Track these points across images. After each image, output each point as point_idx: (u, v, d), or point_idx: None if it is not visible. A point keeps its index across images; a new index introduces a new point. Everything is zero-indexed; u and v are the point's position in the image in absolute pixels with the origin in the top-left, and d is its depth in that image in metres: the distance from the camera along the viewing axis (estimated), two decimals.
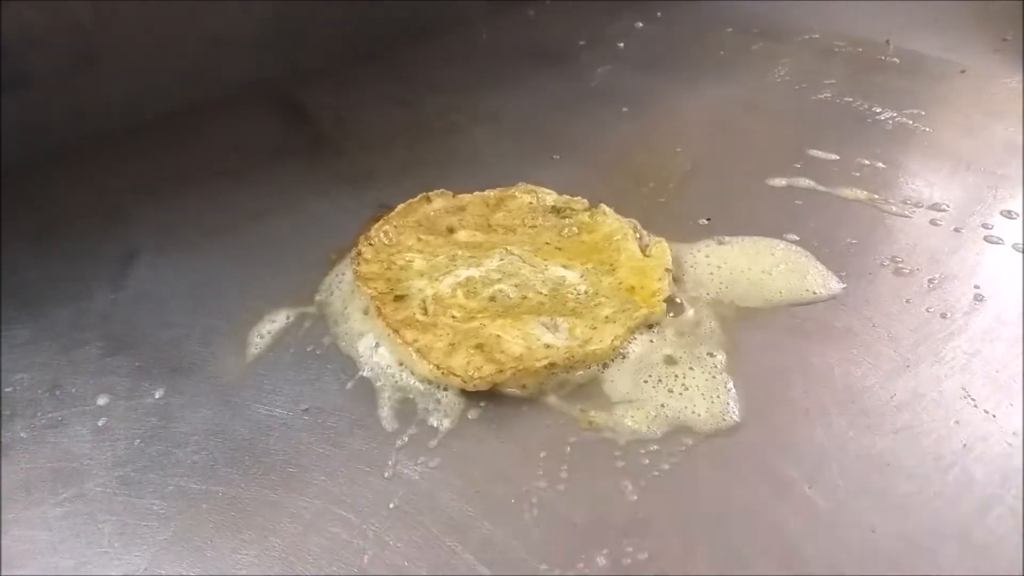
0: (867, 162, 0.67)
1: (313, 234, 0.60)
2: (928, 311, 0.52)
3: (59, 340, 0.51)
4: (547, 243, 0.57)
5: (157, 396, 0.47)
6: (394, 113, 0.78)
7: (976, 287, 0.53)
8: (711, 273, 0.55)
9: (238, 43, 0.80)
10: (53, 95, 0.70)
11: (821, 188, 0.64)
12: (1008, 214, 0.61)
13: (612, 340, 0.47)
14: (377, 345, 0.49)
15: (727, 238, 0.58)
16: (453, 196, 0.61)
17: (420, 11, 0.93)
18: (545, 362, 0.46)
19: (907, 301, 0.52)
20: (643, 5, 1.00)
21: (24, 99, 0.68)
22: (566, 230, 0.58)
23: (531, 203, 0.61)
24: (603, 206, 0.59)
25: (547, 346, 0.47)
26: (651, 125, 0.76)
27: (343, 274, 0.55)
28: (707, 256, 0.56)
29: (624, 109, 0.78)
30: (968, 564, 0.38)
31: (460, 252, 0.55)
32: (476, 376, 0.45)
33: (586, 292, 0.52)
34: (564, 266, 0.54)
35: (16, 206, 0.64)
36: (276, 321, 0.52)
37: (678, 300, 0.52)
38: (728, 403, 0.45)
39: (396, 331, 0.48)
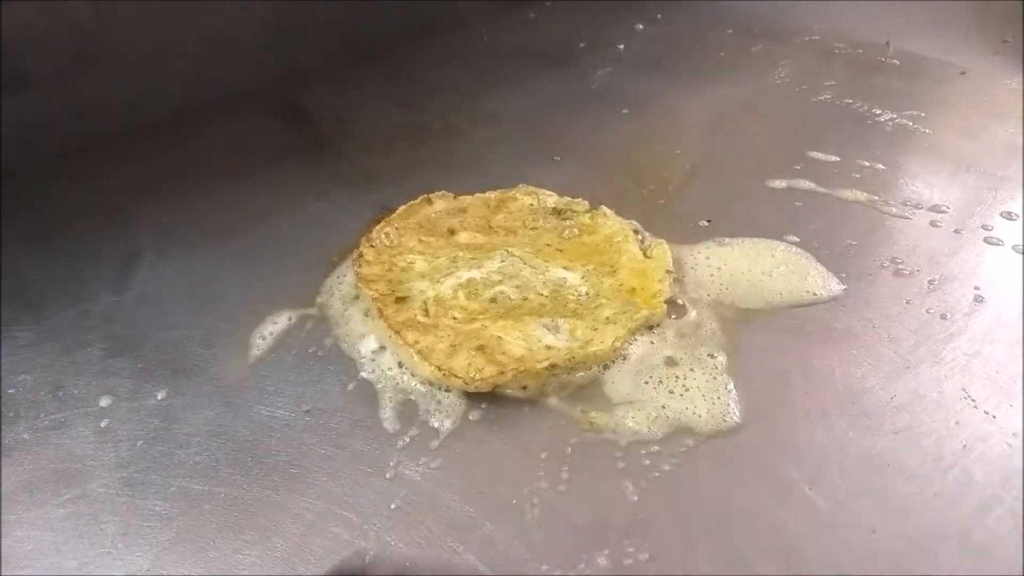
0: (867, 164, 0.67)
1: (314, 235, 0.60)
2: (928, 312, 0.52)
3: (61, 342, 0.51)
4: (548, 245, 0.57)
5: (159, 397, 0.47)
6: (395, 114, 0.78)
7: (976, 288, 0.53)
8: (712, 275, 0.55)
9: (238, 44, 0.80)
10: (53, 95, 0.70)
11: (821, 189, 0.64)
12: (1008, 215, 0.61)
13: (613, 341, 0.47)
14: (379, 347, 0.49)
15: (727, 239, 0.58)
16: (454, 198, 0.61)
17: (420, 12, 0.93)
18: (546, 363, 0.46)
19: (907, 302, 0.53)
20: (643, 7, 1.00)
21: (24, 99, 0.68)
22: (567, 232, 0.58)
23: (532, 205, 0.61)
24: (604, 208, 0.59)
25: (548, 347, 0.47)
26: (651, 126, 0.76)
27: (344, 276, 0.55)
28: (707, 258, 0.56)
29: (624, 110, 0.78)
30: (968, 565, 0.38)
31: (461, 254, 0.55)
32: (477, 377, 0.45)
33: (587, 293, 0.52)
34: (565, 268, 0.54)
35: (17, 207, 0.64)
36: (278, 322, 0.52)
37: (679, 301, 0.52)
38: (729, 404, 0.45)
39: (397, 332, 0.48)
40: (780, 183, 0.65)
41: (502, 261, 0.54)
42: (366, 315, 0.52)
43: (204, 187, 0.67)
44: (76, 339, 0.52)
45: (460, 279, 0.53)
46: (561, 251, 0.56)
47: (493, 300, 0.51)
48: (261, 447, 0.44)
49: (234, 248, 0.60)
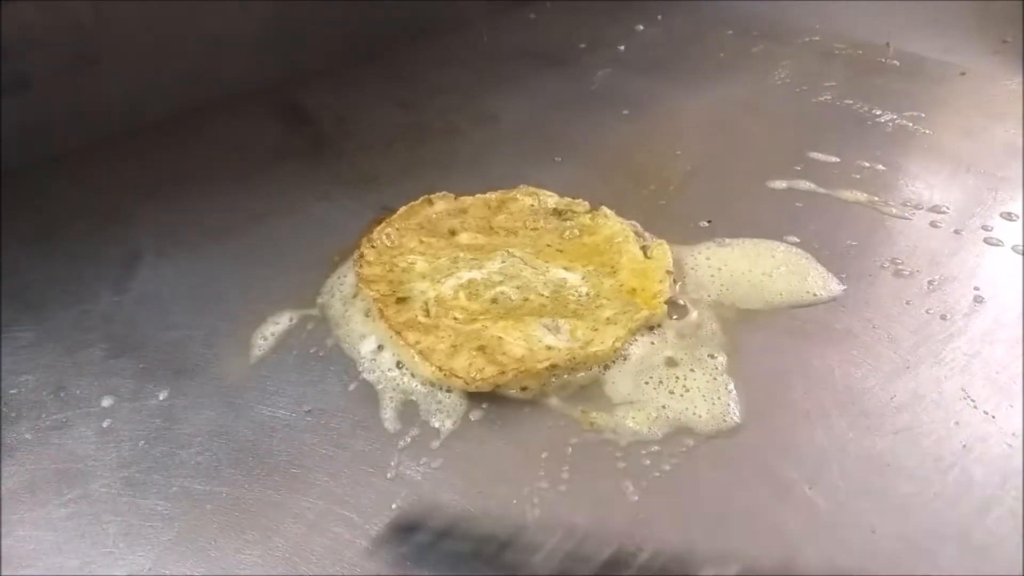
0: (867, 164, 0.68)
1: (315, 236, 0.60)
2: (928, 313, 0.52)
3: (63, 342, 0.51)
4: (548, 245, 0.57)
5: (161, 398, 0.47)
6: (395, 114, 0.78)
7: (976, 289, 0.54)
8: (712, 275, 0.55)
9: (238, 44, 0.80)
10: (53, 95, 0.70)
11: (821, 190, 0.64)
12: (1008, 216, 0.61)
13: (613, 342, 0.47)
14: (379, 347, 0.49)
15: (728, 240, 0.58)
16: (455, 198, 0.61)
17: (420, 12, 0.93)
18: (547, 363, 0.46)
19: (907, 303, 0.53)
20: (643, 7, 1.00)
21: (24, 99, 0.68)
22: (567, 232, 0.58)
23: (532, 205, 0.61)
24: (604, 208, 0.59)
25: (549, 348, 0.47)
26: (652, 127, 0.76)
27: (345, 276, 0.55)
28: (708, 258, 0.56)
29: (625, 111, 0.78)
30: (968, 565, 0.38)
31: (462, 254, 0.56)
32: (478, 378, 0.45)
33: (587, 294, 0.52)
34: (565, 268, 0.54)
35: (17, 207, 0.64)
36: (279, 323, 0.52)
37: (679, 302, 0.52)
38: (729, 404, 0.46)
39: (398, 333, 0.48)
40: (780, 184, 0.65)
41: (503, 262, 0.54)
42: (367, 315, 0.52)
43: (204, 187, 0.67)
44: (77, 339, 0.52)
45: (461, 279, 0.53)
46: (562, 252, 0.56)
47: (494, 300, 0.51)
48: (262, 447, 0.44)
49: (235, 248, 0.60)
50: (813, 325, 0.51)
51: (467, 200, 0.61)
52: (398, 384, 0.47)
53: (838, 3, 1.01)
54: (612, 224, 0.58)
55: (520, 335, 0.48)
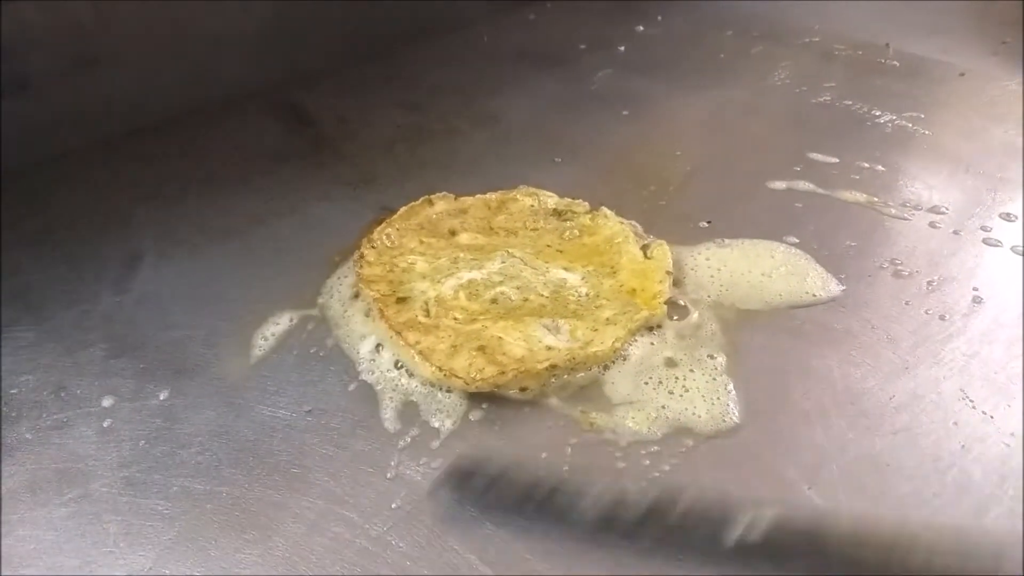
0: (867, 165, 0.68)
1: (315, 236, 0.61)
2: (927, 313, 0.52)
3: (63, 342, 0.52)
4: (548, 245, 0.57)
5: (161, 398, 0.47)
6: (395, 115, 0.79)
7: (975, 289, 0.54)
8: (711, 276, 0.55)
9: (238, 44, 0.81)
10: (53, 96, 0.70)
11: (821, 191, 0.64)
12: (1007, 217, 0.61)
13: (613, 342, 0.48)
14: (379, 347, 0.50)
15: (727, 241, 0.58)
16: (455, 199, 0.61)
17: (420, 12, 0.93)
18: (546, 364, 0.46)
19: (906, 303, 0.53)
20: (643, 8, 1.01)
21: (24, 100, 0.68)
22: (567, 233, 0.58)
23: (532, 206, 0.61)
24: (604, 209, 0.59)
25: (548, 348, 0.47)
26: (651, 128, 0.76)
27: (345, 276, 0.55)
28: (707, 259, 0.56)
29: (624, 112, 0.78)
30: (967, 565, 0.38)
31: (462, 254, 0.56)
32: (478, 378, 0.45)
33: (587, 294, 0.52)
34: (565, 268, 0.54)
35: (18, 209, 0.64)
36: (279, 323, 0.52)
37: (679, 302, 0.52)
38: (728, 404, 0.46)
39: (398, 333, 0.48)
40: (780, 184, 0.65)
41: (503, 262, 0.54)
42: (367, 316, 0.52)
43: (205, 188, 0.67)
44: (78, 339, 0.52)
45: (461, 280, 0.53)
46: (561, 252, 0.56)
47: (494, 301, 0.51)
48: (263, 447, 0.44)
49: (235, 249, 0.60)
50: (812, 325, 0.51)
51: (467, 200, 0.61)
52: (398, 384, 0.48)
53: (838, 4, 1.01)
54: (612, 224, 0.58)
55: (520, 335, 0.48)
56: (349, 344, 0.50)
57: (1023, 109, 0.76)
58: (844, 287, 0.54)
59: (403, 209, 0.60)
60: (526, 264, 0.54)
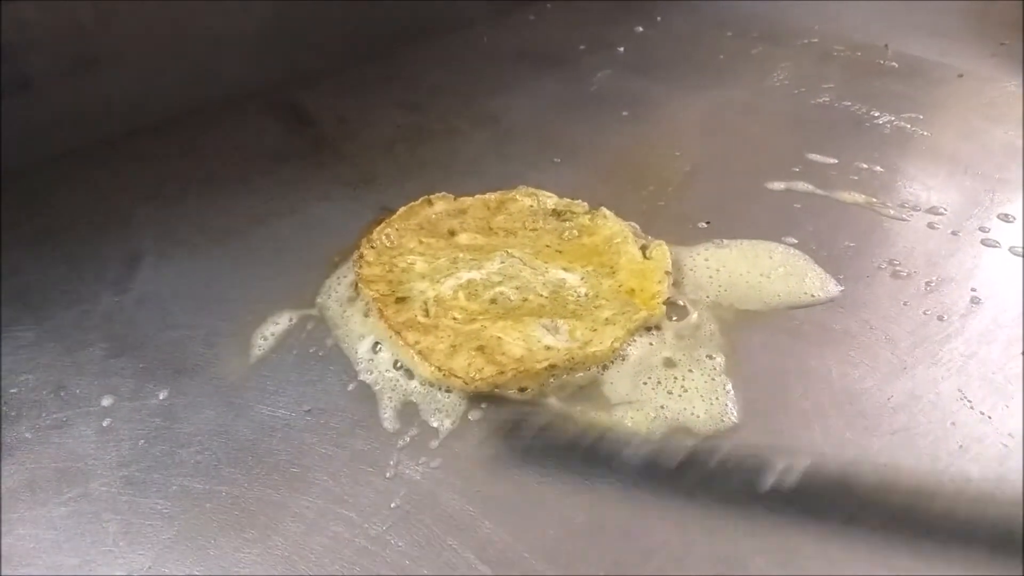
0: (865, 166, 0.68)
1: (315, 237, 0.61)
2: (925, 314, 0.52)
3: (63, 342, 0.52)
4: (548, 246, 0.57)
5: (161, 397, 0.48)
6: (395, 115, 0.79)
7: (973, 290, 0.54)
8: (710, 276, 0.55)
9: (238, 44, 0.81)
10: (53, 96, 0.70)
11: (819, 192, 0.64)
12: (1005, 217, 0.61)
13: (612, 342, 0.48)
14: (379, 347, 0.50)
15: (726, 241, 0.58)
16: (454, 199, 0.61)
17: (420, 13, 0.93)
18: (545, 364, 0.46)
19: (904, 304, 0.53)
20: (643, 9, 1.01)
21: (24, 100, 0.68)
22: (566, 233, 0.58)
23: (532, 206, 0.61)
24: (603, 209, 0.59)
25: (547, 348, 0.47)
26: (651, 128, 0.76)
27: (345, 276, 0.55)
28: (706, 259, 0.57)
29: (624, 112, 0.78)
30: (965, 565, 0.38)
31: (461, 255, 0.56)
32: (477, 377, 0.46)
33: (586, 294, 0.52)
34: (564, 269, 0.54)
35: (17, 208, 0.64)
36: (279, 323, 0.52)
37: (678, 303, 0.52)
38: (727, 405, 0.46)
39: (398, 333, 0.48)
40: (779, 185, 0.65)
41: (502, 262, 0.55)
42: (366, 316, 0.52)
43: (205, 188, 0.67)
44: (77, 339, 0.52)
45: (460, 280, 0.53)
46: (561, 252, 0.56)
47: (493, 301, 0.51)
48: (262, 446, 0.44)
49: (235, 249, 0.60)
50: (811, 326, 0.51)
51: (466, 201, 0.61)
52: (397, 384, 0.48)
53: (837, 5, 1.01)
54: (611, 225, 0.58)
55: (519, 335, 0.48)
56: (348, 344, 0.51)
57: (1022, 110, 0.76)
58: (842, 288, 0.54)
59: (402, 209, 0.60)
60: (525, 264, 0.54)
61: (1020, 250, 0.58)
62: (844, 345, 0.50)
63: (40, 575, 0.38)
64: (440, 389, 0.47)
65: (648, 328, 0.50)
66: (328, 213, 0.64)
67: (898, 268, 0.56)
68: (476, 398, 0.46)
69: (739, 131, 0.75)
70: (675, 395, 0.46)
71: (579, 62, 0.90)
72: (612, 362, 0.48)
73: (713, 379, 0.47)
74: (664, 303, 0.51)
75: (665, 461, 0.42)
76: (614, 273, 0.54)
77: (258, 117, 0.78)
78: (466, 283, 0.53)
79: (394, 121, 0.77)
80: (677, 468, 0.42)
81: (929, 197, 0.64)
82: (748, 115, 0.78)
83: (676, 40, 0.95)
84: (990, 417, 0.45)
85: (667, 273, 0.53)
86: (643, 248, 0.56)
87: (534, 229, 0.59)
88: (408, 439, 0.44)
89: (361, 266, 0.54)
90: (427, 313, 0.50)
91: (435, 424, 0.45)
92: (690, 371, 0.48)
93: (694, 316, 0.52)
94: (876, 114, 0.76)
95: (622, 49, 0.92)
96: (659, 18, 0.99)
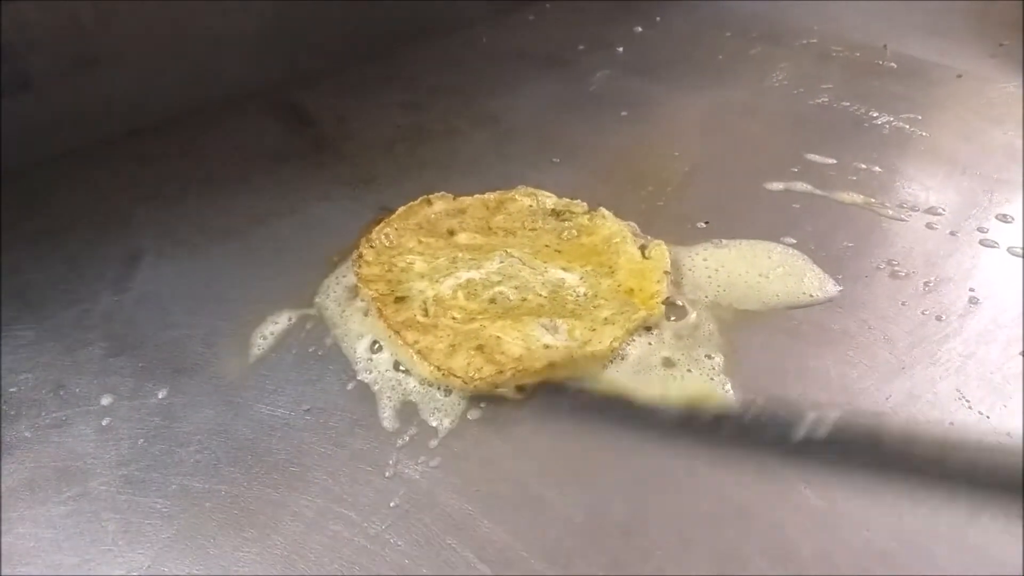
0: (864, 166, 0.68)
1: (314, 236, 0.61)
2: (923, 314, 0.52)
3: (63, 341, 0.52)
4: (547, 246, 0.57)
5: (160, 396, 0.48)
6: (395, 116, 0.79)
7: (971, 290, 0.54)
8: (709, 276, 0.55)
9: (238, 44, 0.81)
10: (53, 96, 0.70)
11: (818, 192, 0.65)
12: (1003, 218, 0.61)
13: (611, 342, 0.48)
14: (378, 346, 0.50)
15: (725, 241, 0.58)
16: (453, 199, 0.62)
17: (420, 13, 0.93)
18: (545, 363, 0.46)
19: (903, 304, 0.53)
20: (642, 9, 1.01)
21: (24, 100, 0.68)
22: (565, 233, 0.58)
23: (531, 206, 0.61)
24: (602, 209, 0.60)
25: (547, 347, 0.47)
26: (650, 129, 0.76)
27: (344, 276, 0.55)
28: (705, 259, 0.57)
29: (623, 113, 0.78)
30: (965, 565, 0.38)
31: (460, 254, 0.56)
32: (476, 377, 0.46)
33: (585, 294, 0.52)
34: (563, 268, 0.54)
35: (17, 208, 0.64)
36: (278, 322, 0.52)
37: (677, 302, 0.52)
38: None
39: (397, 332, 0.49)
40: (777, 185, 0.65)
41: (501, 262, 0.55)
42: (366, 315, 0.52)
43: (204, 187, 0.67)
44: (77, 338, 0.52)
45: (459, 279, 0.53)
46: (560, 252, 0.56)
47: (492, 300, 0.52)
48: (261, 445, 0.44)
49: (234, 248, 0.60)
50: (809, 326, 0.51)
51: (466, 200, 0.61)
52: (396, 383, 0.48)
53: (836, 5, 1.01)
54: (610, 225, 0.58)
55: (518, 335, 0.48)
56: (347, 343, 0.51)
57: (1021, 111, 0.76)
58: (841, 288, 0.54)
59: (402, 209, 0.60)
60: (524, 264, 0.54)
61: (1019, 250, 0.58)
62: (843, 345, 0.50)
63: (40, 574, 0.38)
64: (439, 388, 0.47)
65: (647, 328, 0.50)
66: (328, 213, 0.64)
67: (896, 268, 0.56)
68: (475, 398, 0.46)
69: (738, 131, 0.75)
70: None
71: (578, 62, 0.90)
72: (611, 362, 0.48)
73: (712, 379, 0.47)
74: (663, 303, 0.51)
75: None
76: (613, 273, 0.54)
77: (258, 117, 0.78)
78: (465, 283, 0.53)
79: (394, 121, 0.78)
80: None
81: (928, 197, 0.64)
82: (747, 115, 0.78)
83: (675, 40, 0.95)
84: (988, 417, 0.45)
85: (666, 273, 0.53)
86: (642, 248, 0.56)
87: (533, 229, 0.59)
88: (407, 438, 0.44)
89: (360, 266, 0.54)
90: (426, 313, 0.50)
91: (434, 423, 0.45)
92: (689, 371, 0.48)
93: (693, 316, 0.52)
94: (875, 114, 0.76)
95: (621, 49, 0.93)
96: (658, 18, 0.99)
